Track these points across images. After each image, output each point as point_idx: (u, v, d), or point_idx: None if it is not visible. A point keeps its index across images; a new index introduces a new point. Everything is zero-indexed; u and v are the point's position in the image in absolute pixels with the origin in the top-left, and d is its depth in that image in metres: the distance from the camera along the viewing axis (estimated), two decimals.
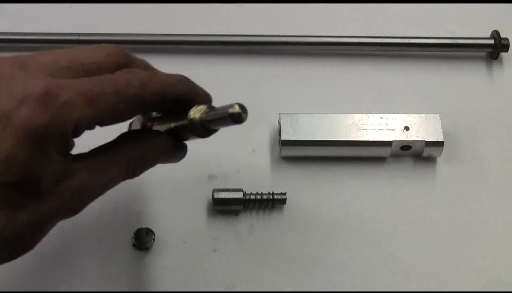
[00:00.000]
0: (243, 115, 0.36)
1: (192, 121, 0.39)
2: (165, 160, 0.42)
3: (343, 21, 0.63)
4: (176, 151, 0.43)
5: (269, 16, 0.63)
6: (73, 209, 0.37)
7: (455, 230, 0.51)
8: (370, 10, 0.64)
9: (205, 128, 0.39)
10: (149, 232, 0.50)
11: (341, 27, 0.63)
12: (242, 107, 0.36)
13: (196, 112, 0.39)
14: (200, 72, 0.59)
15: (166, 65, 0.60)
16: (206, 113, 0.39)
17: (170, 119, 0.41)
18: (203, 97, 0.42)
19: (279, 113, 0.54)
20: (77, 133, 0.36)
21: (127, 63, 0.39)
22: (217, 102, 0.58)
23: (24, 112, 0.33)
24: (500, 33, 0.60)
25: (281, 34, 0.61)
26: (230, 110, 0.36)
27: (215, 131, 0.40)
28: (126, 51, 0.39)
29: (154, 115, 0.43)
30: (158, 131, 0.41)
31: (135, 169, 0.40)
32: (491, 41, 0.60)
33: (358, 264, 0.50)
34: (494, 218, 0.52)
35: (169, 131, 0.41)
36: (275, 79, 0.59)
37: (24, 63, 0.36)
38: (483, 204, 0.53)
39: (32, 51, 0.38)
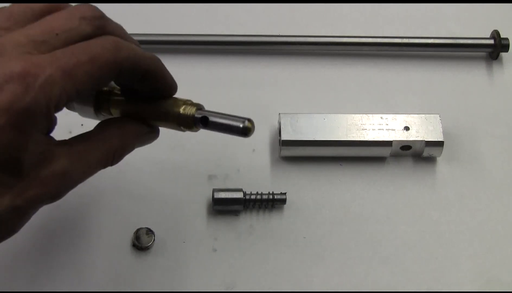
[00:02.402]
0: (252, 131, 0.41)
1: (187, 116, 0.41)
2: (140, 145, 0.43)
3: (343, 21, 0.63)
4: (151, 136, 0.44)
5: (269, 16, 0.63)
6: (54, 194, 0.37)
7: (455, 230, 0.52)
8: (370, 10, 0.64)
9: (196, 125, 0.41)
10: (149, 232, 0.50)
11: (341, 27, 0.63)
12: (252, 123, 0.41)
13: (190, 108, 0.41)
14: (200, 72, 0.59)
15: (166, 65, 0.60)
16: (200, 109, 0.41)
17: (139, 105, 0.42)
18: (170, 81, 0.42)
19: (279, 113, 0.54)
20: (59, 109, 0.36)
21: (101, 25, 0.39)
22: (217, 102, 0.58)
23: (5, 96, 0.33)
24: (500, 33, 0.60)
25: (281, 34, 0.61)
26: (245, 124, 0.41)
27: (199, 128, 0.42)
28: (99, 11, 0.39)
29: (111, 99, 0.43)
30: (134, 119, 0.42)
31: (115, 157, 0.41)
32: (491, 41, 0.60)
33: (358, 264, 0.50)
34: (494, 218, 0.52)
35: (138, 114, 0.42)
36: (275, 79, 0.59)
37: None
38: (483, 204, 0.53)
39: None
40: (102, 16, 0.39)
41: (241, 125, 0.41)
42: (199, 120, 0.41)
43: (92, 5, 0.39)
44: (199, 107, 0.42)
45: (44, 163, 0.36)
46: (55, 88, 0.35)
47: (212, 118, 0.41)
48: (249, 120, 0.41)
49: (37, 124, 0.35)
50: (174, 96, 0.43)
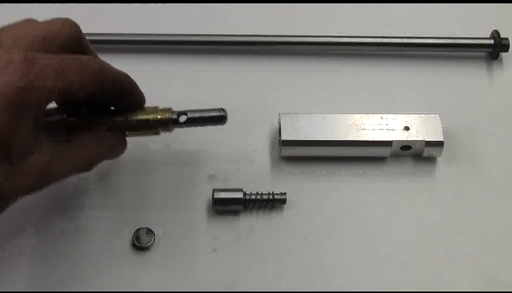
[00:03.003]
0: (227, 118, 0.48)
1: (166, 120, 0.47)
2: (110, 157, 0.48)
3: (343, 21, 0.63)
4: (120, 148, 0.49)
5: (269, 16, 0.63)
6: (33, 187, 0.41)
7: (455, 230, 0.51)
8: (370, 10, 0.64)
9: (174, 125, 0.48)
10: (149, 232, 0.50)
11: (341, 27, 0.63)
12: (226, 112, 0.48)
13: (164, 113, 0.47)
14: (200, 72, 0.59)
15: (166, 65, 0.60)
16: (176, 113, 0.48)
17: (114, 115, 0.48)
18: (141, 94, 0.48)
19: (279, 113, 0.54)
20: (48, 103, 0.40)
21: (79, 36, 0.44)
22: (217, 102, 0.58)
23: (4, 78, 0.37)
24: (500, 33, 0.60)
25: (281, 34, 0.61)
26: (222, 113, 0.48)
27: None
28: (74, 23, 0.44)
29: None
30: (109, 133, 0.47)
31: (91, 165, 0.45)
32: (491, 41, 0.60)
33: (358, 264, 0.50)
34: (494, 218, 0.52)
35: (117, 127, 0.47)
36: (275, 79, 0.59)
37: (1, 41, 0.40)
38: (483, 204, 0.53)
39: None
40: (78, 26, 0.45)
41: (219, 113, 0.48)
42: (178, 119, 0.48)
43: (68, 19, 0.44)
44: (171, 110, 0.48)
45: (30, 155, 0.40)
46: (48, 81, 0.39)
47: (190, 115, 0.48)
48: (223, 109, 0.48)
49: (30, 111, 0.39)
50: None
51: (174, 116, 0.48)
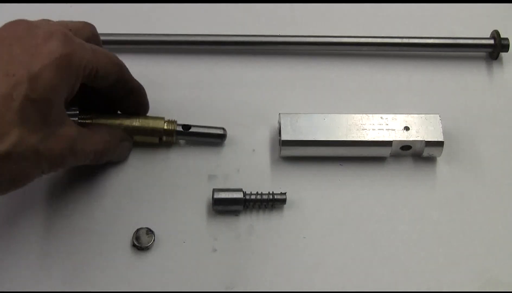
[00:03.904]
0: (226, 136, 0.54)
1: (171, 131, 0.53)
2: (118, 154, 0.52)
3: (343, 21, 0.63)
4: (128, 146, 0.53)
5: (269, 16, 0.63)
6: (62, 155, 0.44)
7: (455, 230, 0.51)
8: (370, 10, 0.64)
9: (178, 136, 0.53)
10: (149, 232, 0.50)
11: (341, 27, 0.63)
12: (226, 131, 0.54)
13: (171, 124, 0.53)
14: (200, 72, 0.59)
15: (166, 65, 0.60)
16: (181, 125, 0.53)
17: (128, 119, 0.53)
18: (147, 101, 0.53)
19: (279, 113, 0.54)
20: (85, 75, 0.45)
21: (97, 35, 0.49)
22: (217, 102, 0.58)
23: (51, 43, 0.42)
24: (500, 33, 0.60)
25: (281, 34, 0.61)
26: (224, 132, 0.54)
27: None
28: (93, 26, 0.49)
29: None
30: (119, 128, 0.51)
31: (103, 152, 0.49)
32: (491, 41, 0.60)
33: (358, 264, 0.50)
34: (494, 218, 0.52)
35: (126, 129, 0.52)
36: (275, 79, 0.59)
37: (36, 24, 0.44)
38: (483, 204, 0.53)
39: None
40: (95, 28, 0.50)
41: (220, 132, 0.54)
42: (182, 132, 0.53)
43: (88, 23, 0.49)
44: (175, 122, 0.53)
45: (62, 123, 0.44)
46: (87, 52, 0.44)
47: (194, 129, 0.53)
48: (224, 129, 0.54)
49: (72, 75, 0.43)
50: (150, 115, 0.53)
51: (179, 128, 0.53)
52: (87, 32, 0.48)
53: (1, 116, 0.40)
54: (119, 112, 0.53)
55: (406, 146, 0.54)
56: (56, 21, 0.46)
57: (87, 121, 0.51)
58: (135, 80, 0.51)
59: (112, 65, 0.47)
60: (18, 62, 0.41)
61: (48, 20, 0.46)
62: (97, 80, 0.47)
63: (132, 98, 0.51)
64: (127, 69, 0.50)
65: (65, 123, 0.44)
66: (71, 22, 0.48)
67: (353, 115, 0.54)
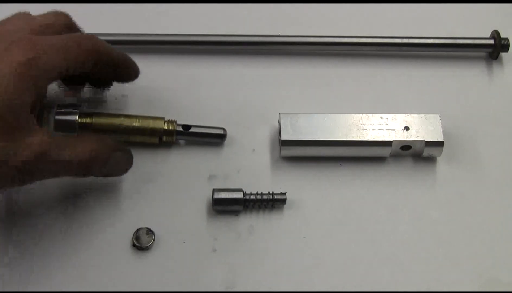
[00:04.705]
0: (226, 136, 0.54)
1: (170, 131, 0.53)
2: (117, 172, 0.50)
3: (343, 21, 0.63)
4: (127, 160, 0.50)
5: (269, 16, 0.63)
6: (28, 168, 0.42)
7: (455, 230, 0.51)
8: (370, 10, 0.64)
9: (178, 136, 0.53)
10: (149, 232, 0.50)
11: (341, 27, 0.63)
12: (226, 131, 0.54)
13: (171, 124, 0.53)
14: (200, 72, 0.59)
15: (166, 65, 0.60)
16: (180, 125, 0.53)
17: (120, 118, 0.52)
18: (136, 68, 0.52)
19: (279, 113, 0.54)
20: (52, 77, 0.44)
21: (70, 20, 0.49)
22: (217, 102, 0.58)
23: (13, 50, 0.42)
24: (500, 33, 0.60)
25: (281, 34, 0.61)
26: (224, 132, 0.54)
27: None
28: (66, 14, 0.49)
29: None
30: (111, 138, 0.49)
31: (88, 163, 0.46)
32: (491, 41, 0.60)
33: (358, 264, 0.50)
34: (494, 218, 0.52)
35: (125, 130, 0.52)
36: (275, 79, 0.59)
37: (4, 29, 0.45)
38: (483, 204, 0.53)
39: None
40: (69, 17, 0.49)
41: (220, 132, 0.54)
42: (182, 132, 0.53)
43: (60, 11, 0.49)
44: (175, 122, 0.53)
45: (29, 131, 0.42)
46: (51, 57, 0.43)
47: (194, 129, 0.53)
48: (224, 129, 0.54)
49: (36, 80, 0.42)
50: (150, 115, 0.53)
51: (179, 128, 0.53)
52: (59, 25, 0.47)
53: None
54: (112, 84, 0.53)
55: (406, 146, 0.54)
56: (26, 18, 0.46)
57: (87, 121, 0.51)
58: (117, 53, 0.49)
59: (85, 54, 0.46)
60: None
61: (19, 18, 0.46)
62: (71, 72, 0.46)
63: (119, 69, 0.50)
64: (106, 47, 0.48)
65: (33, 130, 0.43)
66: (42, 16, 0.47)
67: (353, 115, 0.54)
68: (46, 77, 0.44)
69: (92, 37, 0.47)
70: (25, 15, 0.47)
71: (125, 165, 0.50)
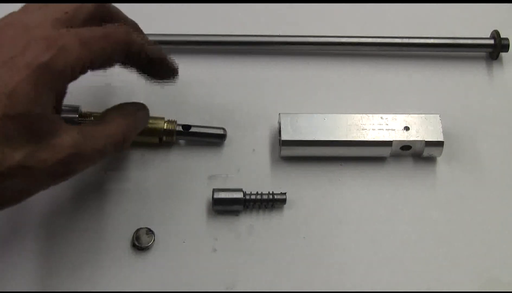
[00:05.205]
0: (226, 136, 0.54)
1: (170, 131, 0.53)
2: (141, 126, 0.49)
3: (343, 21, 0.63)
4: (146, 114, 0.50)
5: (269, 16, 0.63)
6: (65, 165, 0.41)
7: (455, 230, 0.51)
8: (370, 10, 0.64)
9: (177, 136, 0.53)
10: (149, 232, 0.50)
11: (341, 27, 0.63)
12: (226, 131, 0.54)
13: (171, 124, 0.53)
14: (200, 72, 0.59)
15: None
16: (180, 125, 0.53)
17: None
18: (172, 67, 0.50)
19: (279, 113, 0.54)
20: (73, 76, 0.41)
21: (101, 6, 0.45)
22: (217, 102, 0.58)
23: (29, 53, 0.39)
24: (500, 33, 0.60)
25: (281, 34, 0.61)
26: (225, 132, 0.54)
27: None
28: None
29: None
30: (133, 107, 0.48)
31: (124, 139, 0.45)
32: (491, 41, 0.60)
33: (358, 264, 0.50)
34: (494, 218, 0.52)
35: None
36: (275, 79, 0.59)
37: (21, 23, 0.41)
38: (483, 204, 0.53)
39: None
40: (101, 4, 0.46)
41: (220, 132, 0.54)
42: (182, 132, 0.53)
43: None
44: (175, 122, 0.53)
45: (57, 131, 0.40)
46: (73, 53, 0.40)
47: (194, 129, 0.53)
48: (224, 129, 0.54)
49: (53, 83, 0.40)
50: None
51: (179, 128, 0.53)
52: (87, 10, 0.44)
53: None
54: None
55: (406, 146, 0.54)
56: (51, 6, 0.43)
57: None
58: (152, 48, 0.47)
59: (113, 47, 0.43)
60: None
61: (42, 7, 0.43)
62: (97, 66, 0.43)
63: (154, 66, 0.48)
64: (138, 41, 0.45)
65: (59, 130, 0.41)
66: (71, 4, 0.44)
67: (353, 115, 0.54)
68: (67, 76, 0.41)
69: (123, 28, 0.44)
70: (47, 9, 0.44)
71: (146, 119, 0.50)
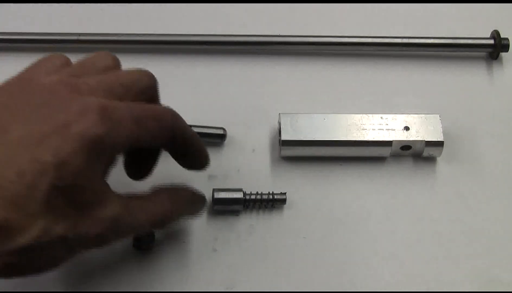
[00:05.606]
0: (226, 136, 0.54)
1: None
2: (189, 214, 0.48)
3: (343, 21, 0.63)
4: (200, 206, 0.48)
5: (269, 16, 0.63)
6: (101, 238, 0.39)
7: (455, 230, 0.51)
8: (370, 10, 0.64)
9: None
10: (149, 232, 0.50)
11: (341, 27, 0.63)
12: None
13: None
14: (200, 72, 0.59)
15: (166, 65, 0.60)
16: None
17: None
18: (205, 158, 0.47)
19: (279, 113, 0.54)
20: (123, 149, 0.40)
21: (152, 85, 0.43)
22: (217, 102, 0.58)
23: (83, 123, 0.36)
24: (500, 33, 0.60)
25: (281, 34, 0.61)
26: (224, 132, 0.53)
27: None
28: (152, 75, 0.44)
29: None
30: (185, 188, 0.47)
31: (165, 222, 0.43)
32: (491, 41, 0.60)
33: (358, 264, 0.50)
34: (494, 218, 0.52)
35: None
36: (275, 79, 0.59)
37: (75, 85, 0.39)
38: (483, 204, 0.53)
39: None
40: (155, 78, 0.44)
41: (220, 132, 0.53)
42: None
43: (145, 69, 0.44)
44: None
45: (100, 203, 0.38)
46: (126, 128, 0.38)
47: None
48: (224, 129, 0.54)
49: (104, 156, 0.38)
50: None
51: None
52: (142, 86, 0.42)
53: (23, 207, 0.35)
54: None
55: (406, 146, 0.54)
56: (106, 72, 0.42)
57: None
58: (192, 136, 0.45)
59: (160, 129, 0.41)
60: (45, 144, 0.36)
61: (98, 69, 0.42)
62: (142, 145, 0.42)
63: (189, 153, 0.46)
64: (183, 126, 0.43)
65: (103, 202, 0.39)
66: (127, 72, 0.42)
67: (353, 115, 0.54)
68: (119, 151, 0.40)
69: (170, 112, 0.43)
70: (105, 65, 0.42)
71: (201, 207, 0.48)
